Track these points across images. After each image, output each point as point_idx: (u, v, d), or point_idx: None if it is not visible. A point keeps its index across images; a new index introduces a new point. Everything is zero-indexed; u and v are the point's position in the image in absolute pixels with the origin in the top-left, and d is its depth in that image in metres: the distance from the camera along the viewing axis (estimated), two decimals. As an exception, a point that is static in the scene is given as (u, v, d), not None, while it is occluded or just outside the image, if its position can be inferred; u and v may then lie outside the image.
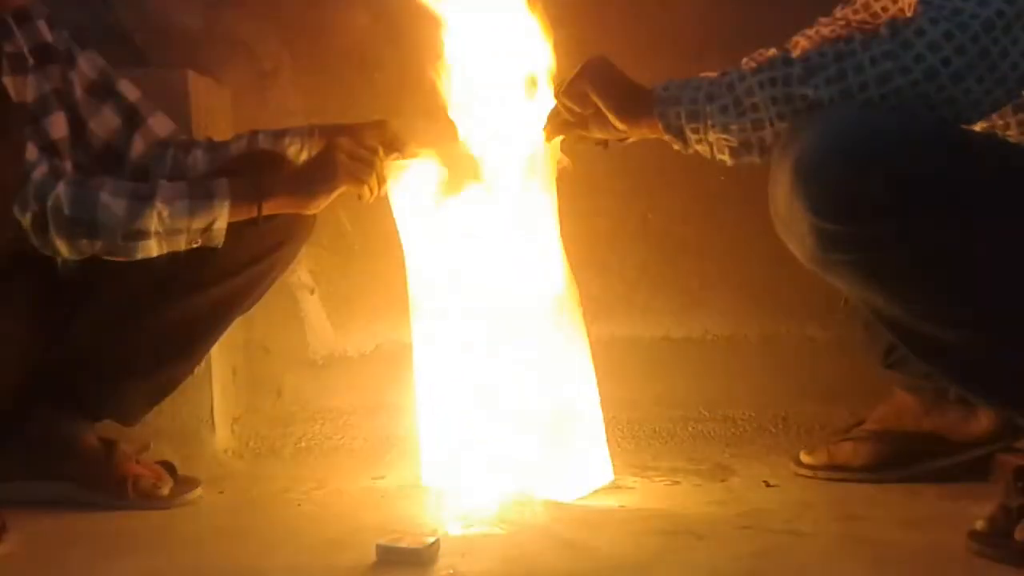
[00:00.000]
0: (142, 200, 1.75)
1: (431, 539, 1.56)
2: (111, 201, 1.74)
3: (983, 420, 1.89)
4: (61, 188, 1.73)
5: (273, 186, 1.81)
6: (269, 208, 1.80)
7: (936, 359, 1.48)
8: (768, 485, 1.92)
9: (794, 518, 1.72)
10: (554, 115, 1.74)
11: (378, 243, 1.95)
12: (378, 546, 1.55)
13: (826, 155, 1.38)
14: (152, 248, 1.77)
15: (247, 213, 1.80)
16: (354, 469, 2.11)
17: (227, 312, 1.96)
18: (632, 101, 1.61)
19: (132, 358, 1.90)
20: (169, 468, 1.94)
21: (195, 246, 1.79)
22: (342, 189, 1.84)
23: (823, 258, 1.42)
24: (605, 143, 1.76)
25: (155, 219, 1.75)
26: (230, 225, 1.78)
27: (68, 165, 1.85)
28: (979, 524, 1.52)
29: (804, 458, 1.98)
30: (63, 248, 1.76)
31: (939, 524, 1.66)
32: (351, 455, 2.22)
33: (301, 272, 2.41)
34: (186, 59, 2.25)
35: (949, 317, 1.42)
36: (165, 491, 1.89)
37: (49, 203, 1.73)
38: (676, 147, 1.57)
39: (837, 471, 1.94)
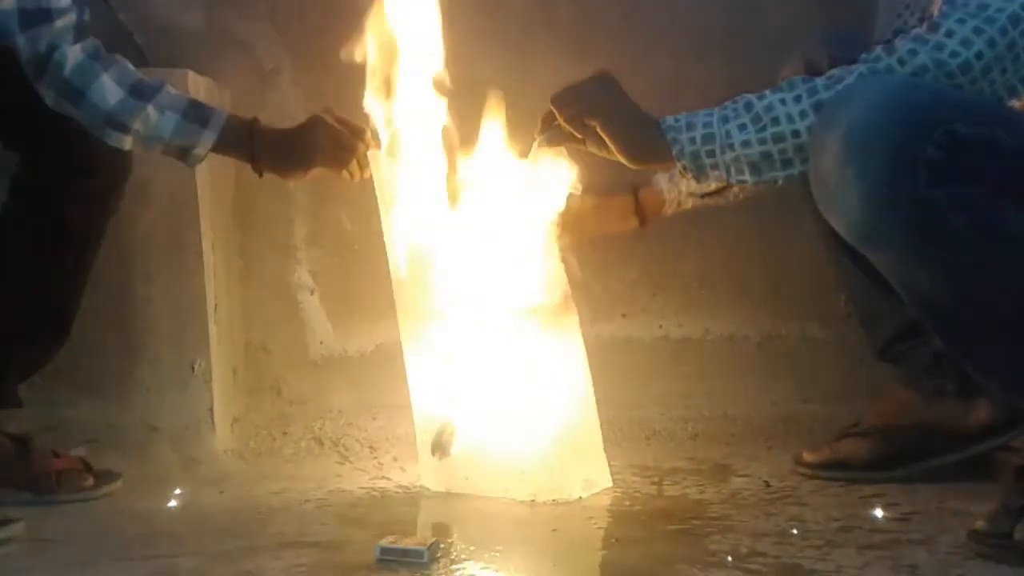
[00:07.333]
0: (138, 98, 1.74)
1: (431, 539, 1.56)
2: (110, 86, 1.72)
3: (981, 412, 1.89)
4: (74, 50, 1.71)
5: (264, 143, 1.81)
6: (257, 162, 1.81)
7: (970, 347, 1.46)
8: (768, 485, 1.92)
9: (794, 518, 1.72)
10: (547, 122, 1.68)
11: (378, 243, 1.95)
12: (378, 546, 1.55)
13: (882, 117, 1.35)
14: (126, 144, 1.77)
15: (232, 152, 1.82)
16: (354, 469, 2.11)
17: (81, 272, 1.94)
18: (641, 141, 1.55)
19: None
20: (84, 463, 1.94)
21: (171, 157, 1.80)
22: (318, 171, 1.85)
23: (873, 229, 1.39)
24: None
25: (140, 121, 1.74)
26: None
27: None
28: (979, 524, 1.52)
29: (807, 456, 1.98)
30: (47, 99, 1.74)
31: (939, 524, 1.66)
32: (351, 455, 2.22)
33: (301, 272, 2.41)
34: (186, 59, 2.25)
35: (995, 295, 1.40)
36: (90, 482, 1.90)
37: (55, 56, 1.70)
38: (687, 179, 1.54)
39: (839, 468, 1.94)
